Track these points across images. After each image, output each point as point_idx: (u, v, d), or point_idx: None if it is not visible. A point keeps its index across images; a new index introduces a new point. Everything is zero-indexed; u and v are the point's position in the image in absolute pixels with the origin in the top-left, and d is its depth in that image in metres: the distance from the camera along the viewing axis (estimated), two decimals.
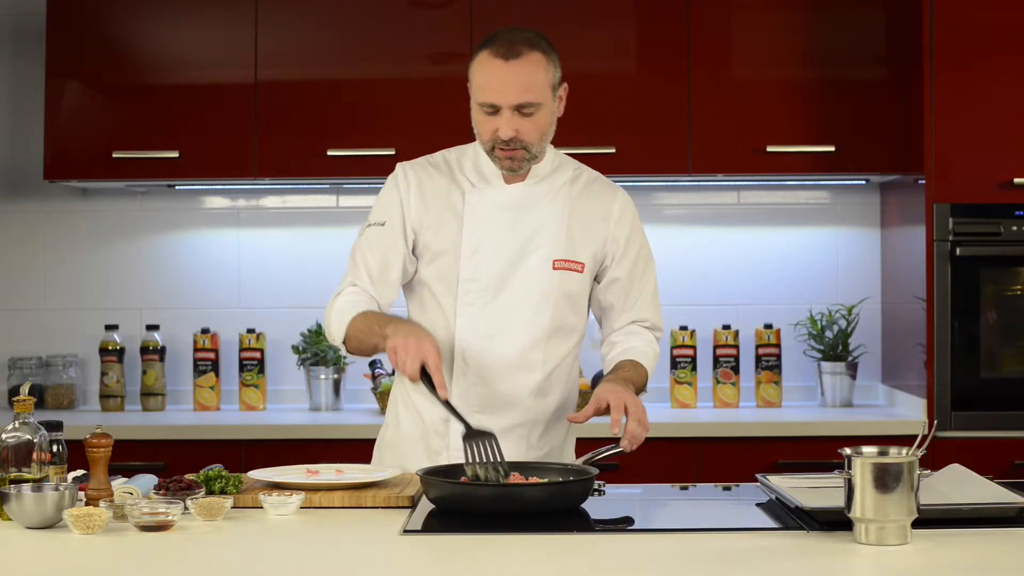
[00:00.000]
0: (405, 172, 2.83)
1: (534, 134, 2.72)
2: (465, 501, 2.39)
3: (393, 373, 3.73)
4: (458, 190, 2.80)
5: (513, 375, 2.78)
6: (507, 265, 2.77)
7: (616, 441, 2.62)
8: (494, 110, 2.69)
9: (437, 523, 2.36)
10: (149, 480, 2.51)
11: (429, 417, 2.81)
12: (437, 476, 2.47)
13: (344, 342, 2.75)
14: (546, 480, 2.50)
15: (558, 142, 4.15)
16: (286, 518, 2.38)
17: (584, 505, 2.47)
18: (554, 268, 2.78)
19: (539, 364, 2.79)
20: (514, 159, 2.73)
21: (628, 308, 2.88)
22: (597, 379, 4.18)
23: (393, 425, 2.91)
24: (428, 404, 2.77)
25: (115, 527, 2.30)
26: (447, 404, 2.58)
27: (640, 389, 2.79)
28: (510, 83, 2.67)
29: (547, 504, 2.39)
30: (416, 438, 2.84)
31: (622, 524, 2.43)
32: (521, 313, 2.77)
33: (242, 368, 4.37)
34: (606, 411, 2.61)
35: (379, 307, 2.78)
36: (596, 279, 2.87)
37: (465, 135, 4.22)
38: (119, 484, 2.49)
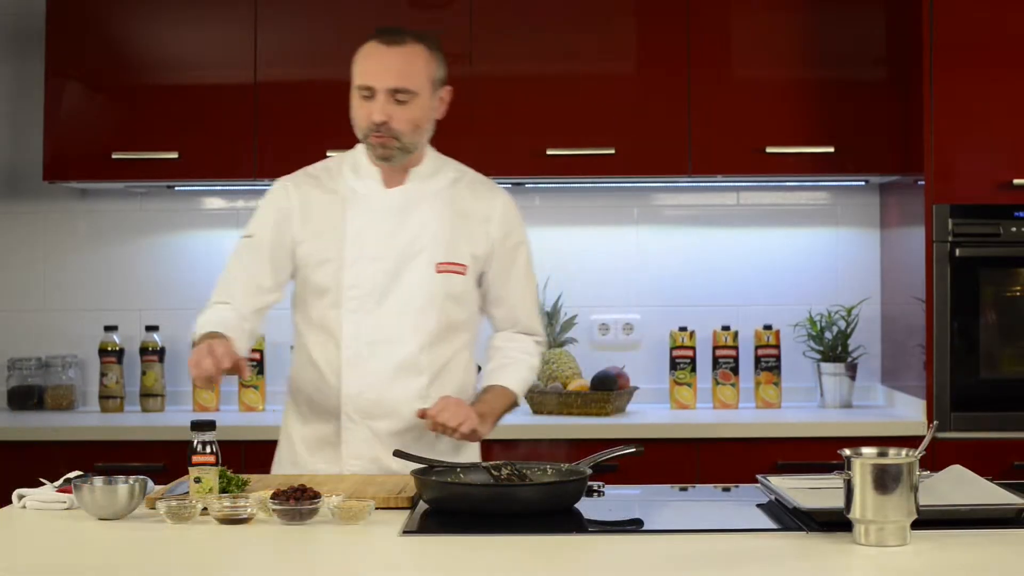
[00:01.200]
0: (285, 186, 2.87)
1: (406, 123, 2.75)
2: (460, 501, 2.40)
3: None
4: (339, 199, 2.83)
5: (400, 380, 2.81)
6: (390, 270, 2.80)
7: (624, 444, 2.66)
8: (370, 93, 2.73)
9: (436, 524, 2.37)
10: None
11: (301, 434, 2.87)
12: (432, 476, 2.49)
13: None
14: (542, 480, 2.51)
15: (559, 143, 4.17)
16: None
17: (584, 506, 2.48)
18: (437, 271, 2.82)
19: (426, 368, 2.82)
20: (386, 146, 2.76)
21: (510, 315, 2.93)
22: (597, 379, 4.18)
23: (286, 442, 2.96)
24: (300, 423, 2.85)
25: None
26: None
27: (502, 414, 2.88)
28: (388, 66, 2.73)
29: (541, 504, 2.40)
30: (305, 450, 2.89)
31: (622, 525, 2.43)
32: (406, 318, 2.80)
33: None
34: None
35: (242, 318, 2.77)
36: (479, 280, 2.90)
37: (465, 135, 4.23)
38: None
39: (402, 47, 2.74)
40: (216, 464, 2.48)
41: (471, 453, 2.94)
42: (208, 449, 2.49)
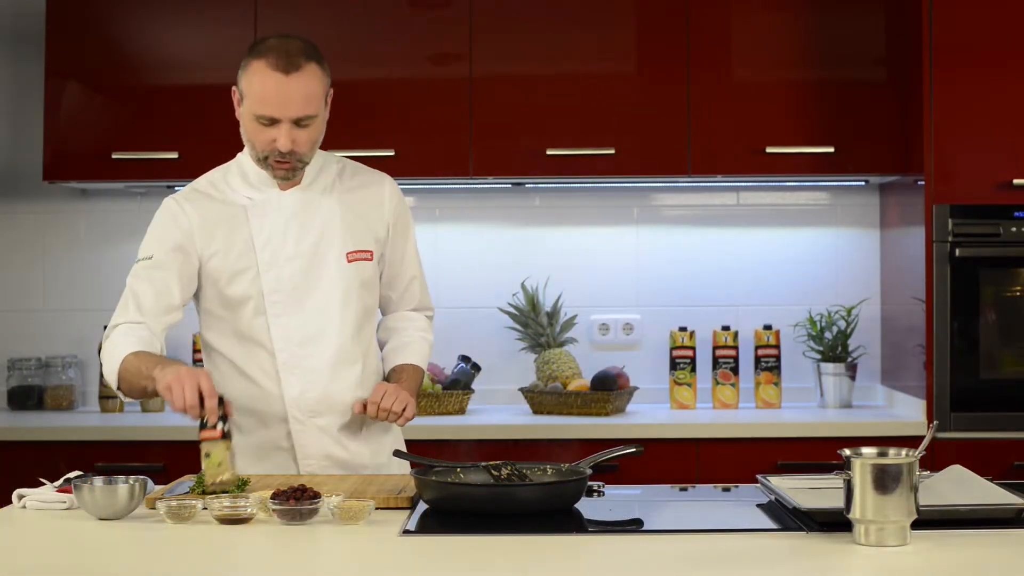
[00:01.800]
0: (179, 203, 2.85)
1: (308, 144, 2.78)
2: (460, 501, 2.40)
3: None
4: (237, 208, 2.84)
5: (338, 372, 2.83)
6: (305, 269, 2.82)
7: (624, 444, 2.66)
8: (271, 122, 2.72)
9: (436, 524, 2.37)
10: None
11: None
12: (432, 476, 2.49)
13: (118, 384, 2.72)
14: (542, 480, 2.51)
15: (559, 143, 4.17)
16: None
17: (584, 506, 2.48)
18: (348, 261, 2.85)
19: (359, 356, 2.86)
20: (290, 169, 2.78)
21: (402, 294, 2.99)
22: (597, 379, 4.18)
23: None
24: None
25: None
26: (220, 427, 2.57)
27: (417, 391, 2.94)
28: (291, 97, 2.70)
29: (540, 503, 2.40)
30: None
31: (622, 525, 2.43)
32: (330, 311, 2.83)
33: None
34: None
35: (153, 335, 2.76)
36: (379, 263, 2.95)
37: (465, 135, 4.23)
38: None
39: (300, 73, 2.71)
40: (225, 439, 2.50)
41: (398, 436, 2.99)
42: (214, 425, 2.51)
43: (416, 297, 3.02)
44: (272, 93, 2.71)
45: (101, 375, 4.38)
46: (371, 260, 2.88)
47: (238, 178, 2.86)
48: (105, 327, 4.37)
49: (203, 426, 2.51)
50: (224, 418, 2.53)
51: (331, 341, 2.83)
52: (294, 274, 2.81)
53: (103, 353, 2.78)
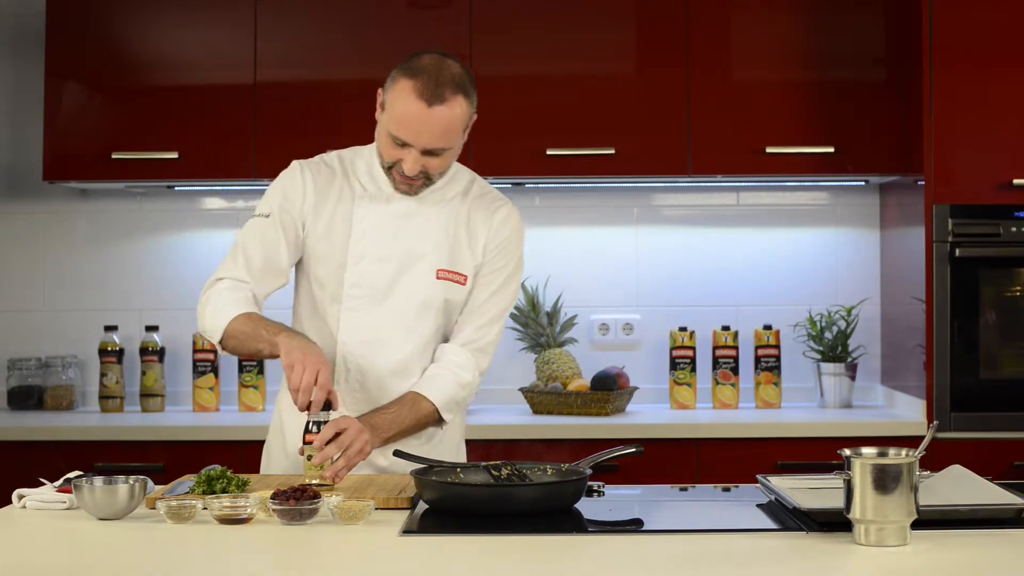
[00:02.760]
0: (303, 168, 2.83)
1: (439, 169, 2.74)
2: (460, 501, 2.40)
3: None
4: (350, 193, 2.82)
5: (393, 382, 2.80)
6: (392, 273, 2.79)
7: (624, 444, 2.66)
8: (404, 145, 2.68)
9: (436, 524, 2.37)
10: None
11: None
12: (432, 476, 2.49)
13: (221, 339, 2.72)
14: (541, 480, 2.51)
15: (559, 143, 4.17)
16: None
17: (584, 506, 2.48)
18: (437, 278, 2.80)
19: (417, 372, 2.81)
20: (412, 187, 2.75)
21: (465, 323, 2.84)
22: (597, 379, 4.18)
23: (278, 432, 2.91)
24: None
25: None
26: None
27: (416, 424, 2.76)
28: (428, 129, 2.65)
29: (540, 504, 2.40)
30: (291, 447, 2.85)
31: (622, 525, 2.43)
32: (403, 321, 2.79)
33: (241, 369, 4.37)
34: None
35: (256, 301, 2.76)
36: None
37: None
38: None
39: (444, 106, 2.63)
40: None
41: (453, 436, 2.92)
42: (317, 429, 2.55)
43: (470, 332, 2.84)
44: (411, 120, 2.64)
45: (101, 375, 4.39)
46: (463, 284, 2.82)
47: (364, 164, 2.83)
48: (105, 327, 4.44)
49: (307, 431, 2.56)
50: (328, 406, 2.55)
51: (394, 350, 2.79)
52: (379, 274, 2.78)
53: (207, 304, 2.74)
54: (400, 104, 2.66)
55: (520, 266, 2.90)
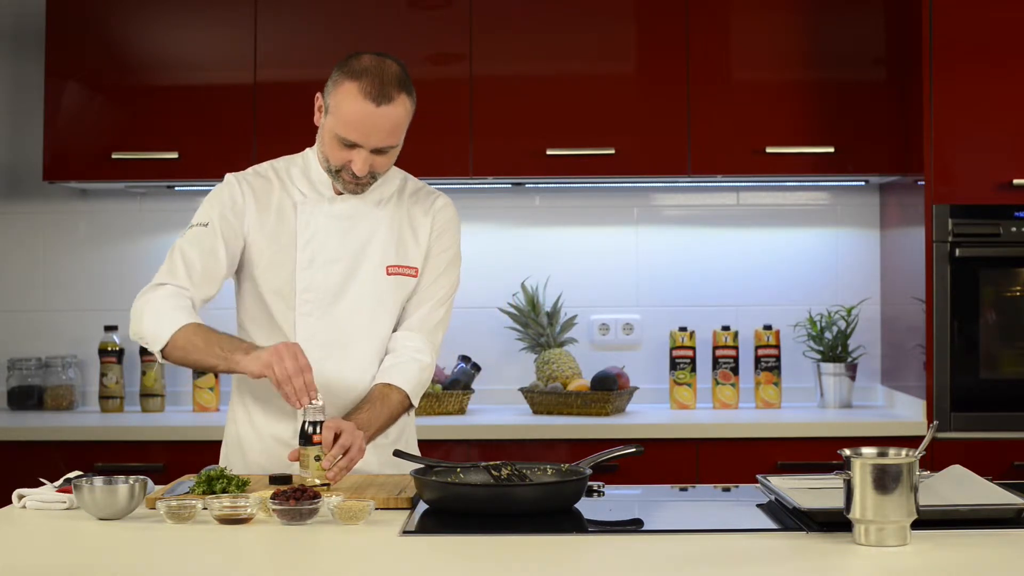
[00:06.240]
0: (239, 180, 2.85)
1: (386, 167, 2.78)
2: (460, 501, 2.40)
3: None
4: (289, 201, 2.83)
5: (356, 381, 2.80)
6: (343, 274, 2.81)
7: (624, 444, 2.66)
8: (352, 146, 2.70)
9: (436, 524, 2.37)
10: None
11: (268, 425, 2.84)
12: (432, 477, 2.49)
13: (164, 348, 2.70)
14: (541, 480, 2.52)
15: (559, 143, 4.17)
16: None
17: (584, 506, 2.48)
18: (388, 274, 2.83)
19: (376, 369, 2.83)
20: (359, 185, 2.77)
21: (413, 309, 2.88)
22: (597, 379, 4.18)
23: (236, 446, 2.91)
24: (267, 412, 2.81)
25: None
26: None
27: (390, 417, 2.78)
28: (377, 129, 2.68)
29: (539, 504, 2.40)
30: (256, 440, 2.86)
31: (622, 525, 2.43)
32: (359, 321, 2.81)
33: None
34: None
35: (194, 306, 2.76)
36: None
37: (465, 135, 4.23)
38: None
39: (391, 105, 2.67)
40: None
41: (409, 439, 2.95)
42: (314, 430, 2.57)
43: (420, 317, 2.87)
44: (360, 120, 2.67)
45: (101, 375, 4.39)
46: (414, 277, 2.85)
47: (300, 173, 2.85)
48: (105, 327, 4.44)
49: (303, 431, 2.56)
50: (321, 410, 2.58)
51: (352, 349, 2.81)
52: (329, 276, 2.80)
53: (144, 309, 2.75)
54: (347, 106, 2.68)
55: (459, 252, 2.93)
